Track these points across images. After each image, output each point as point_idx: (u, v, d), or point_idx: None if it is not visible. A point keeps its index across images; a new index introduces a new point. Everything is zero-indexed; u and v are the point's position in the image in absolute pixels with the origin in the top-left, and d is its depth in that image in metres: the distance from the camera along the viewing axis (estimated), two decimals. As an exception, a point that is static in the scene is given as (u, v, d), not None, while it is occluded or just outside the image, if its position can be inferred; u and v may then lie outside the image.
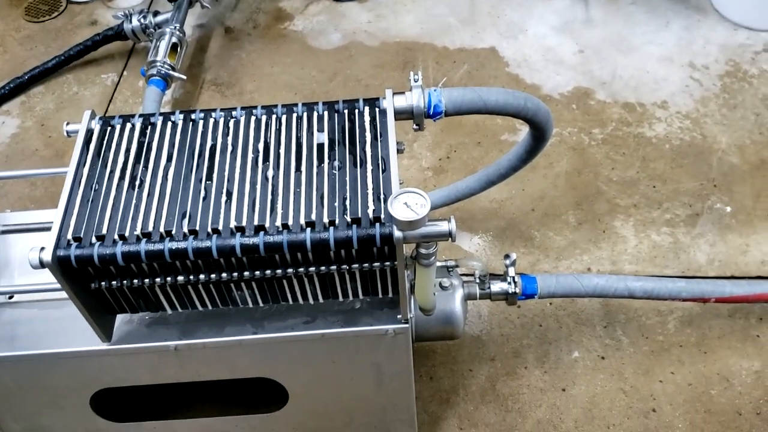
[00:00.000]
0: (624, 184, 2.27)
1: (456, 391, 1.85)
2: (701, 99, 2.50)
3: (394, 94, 1.34)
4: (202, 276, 1.23)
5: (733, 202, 2.19)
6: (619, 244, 2.12)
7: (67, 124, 1.35)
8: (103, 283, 1.23)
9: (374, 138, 1.29)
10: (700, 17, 2.80)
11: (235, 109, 1.36)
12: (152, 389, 1.50)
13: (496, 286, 1.60)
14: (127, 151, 1.30)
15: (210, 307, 1.33)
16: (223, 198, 1.22)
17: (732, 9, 2.76)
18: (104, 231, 1.18)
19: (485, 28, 2.85)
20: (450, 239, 1.16)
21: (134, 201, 1.23)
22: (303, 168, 1.26)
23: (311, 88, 2.67)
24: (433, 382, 1.87)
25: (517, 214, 2.22)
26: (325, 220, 1.18)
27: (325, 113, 1.34)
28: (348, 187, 1.22)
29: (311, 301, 1.32)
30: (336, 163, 1.26)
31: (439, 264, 1.53)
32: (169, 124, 1.34)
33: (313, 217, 1.18)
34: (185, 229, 1.18)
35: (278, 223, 1.18)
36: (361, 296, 1.33)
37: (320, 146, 1.29)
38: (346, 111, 1.34)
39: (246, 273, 1.22)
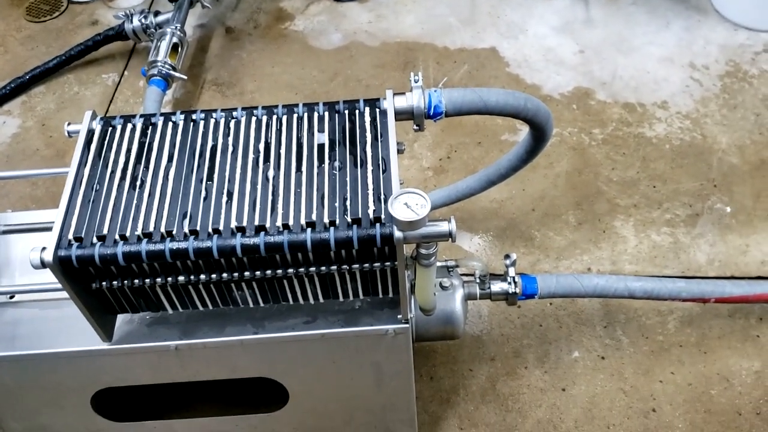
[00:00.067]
0: (624, 184, 2.27)
1: (456, 391, 1.85)
2: (701, 99, 2.50)
3: (394, 94, 1.34)
4: (202, 276, 1.23)
5: (733, 203, 2.19)
6: (619, 244, 2.12)
7: (68, 124, 1.35)
8: (103, 283, 1.23)
9: (375, 138, 1.29)
10: (700, 18, 2.80)
11: (235, 109, 1.36)
12: (152, 389, 1.51)
13: (497, 286, 1.60)
14: (128, 151, 1.31)
15: (210, 307, 1.33)
16: (224, 198, 1.22)
17: (732, 9, 2.76)
18: (105, 231, 1.19)
19: (486, 28, 2.85)
20: (450, 239, 1.16)
21: (135, 201, 1.23)
22: (303, 168, 1.26)
23: (312, 88, 2.67)
24: (434, 381, 1.87)
25: (518, 214, 2.22)
26: (326, 220, 1.18)
27: (326, 114, 1.34)
28: (348, 188, 1.22)
29: (311, 301, 1.33)
30: (336, 164, 1.26)
31: (439, 264, 1.54)
32: (170, 124, 1.34)
33: (314, 217, 1.18)
34: (186, 230, 1.18)
35: (279, 223, 1.18)
36: (361, 296, 1.33)
37: (321, 146, 1.29)
38: (346, 111, 1.34)
39: (246, 273, 1.23)
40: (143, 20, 2.62)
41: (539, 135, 1.60)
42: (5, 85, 2.71)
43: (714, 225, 2.14)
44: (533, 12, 2.89)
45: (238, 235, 1.17)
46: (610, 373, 1.86)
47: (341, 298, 1.33)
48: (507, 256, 1.62)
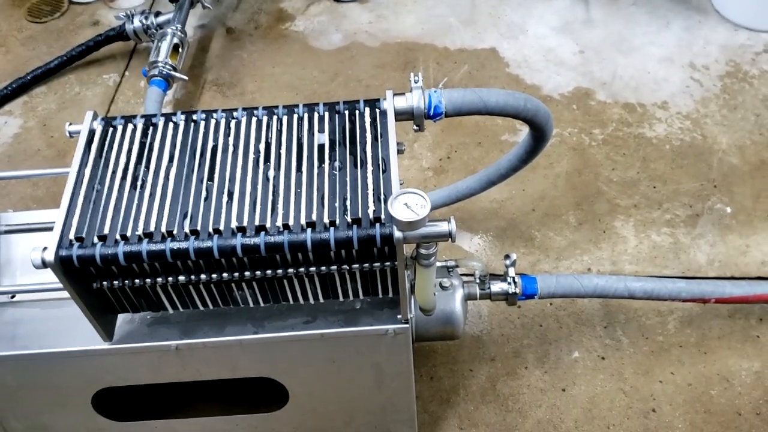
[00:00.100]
0: (624, 184, 2.27)
1: (456, 391, 1.86)
2: (701, 99, 2.50)
3: (394, 95, 1.34)
4: (203, 276, 1.23)
5: (733, 203, 2.19)
6: (620, 245, 2.12)
7: (70, 124, 1.36)
8: (104, 283, 1.23)
9: (375, 139, 1.30)
10: (700, 18, 2.80)
11: (236, 109, 1.36)
12: (153, 388, 1.51)
13: (497, 287, 1.60)
14: (129, 151, 1.31)
15: (211, 307, 1.34)
16: (224, 198, 1.23)
17: (732, 10, 2.76)
18: (106, 231, 1.19)
19: (486, 28, 2.85)
20: (450, 240, 1.16)
21: (136, 201, 1.23)
22: (304, 168, 1.26)
23: (312, 88, 2.67)
24: (434, 382, 1.87)
25: (518, 214, 2.22)
26: (326, 220, 1.18)
27: (326, 114, 1.35)
28: (348, 188, 1.23)
29: (311, 301, 1.33)
30: (336, 164, 1.27)
31: (439, 264, 1.54)
32: (171, 124, 1.35)
33: (314, 217, 1.18)
34: (186, 230, 1.18)
35: (279, 223, 1.18)
36: (361, 296, 1.33)
37: (321, 147, 1.29)
38: (346, 112, 1.35)
39: (247, 273, 1.23)
40: (144, 21, 2.62)
41: (539, 135, 1.60)
42: (7, 86, 2.71)
43: (714, 225, 2.15)
44: (533, 12, 2.89)
45: (239, 235, 1.17)
46: (610, 373, 1.86)
47: (341, 298, 1.33)
48: (507, 257, 1.62)
